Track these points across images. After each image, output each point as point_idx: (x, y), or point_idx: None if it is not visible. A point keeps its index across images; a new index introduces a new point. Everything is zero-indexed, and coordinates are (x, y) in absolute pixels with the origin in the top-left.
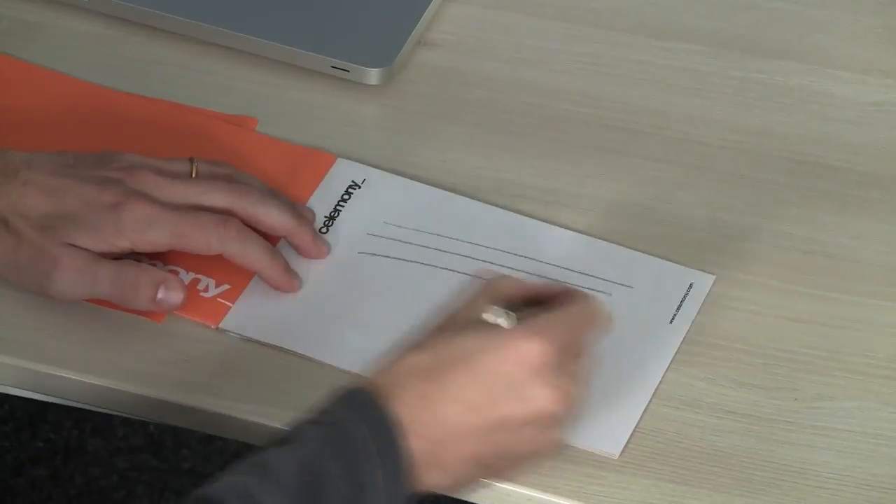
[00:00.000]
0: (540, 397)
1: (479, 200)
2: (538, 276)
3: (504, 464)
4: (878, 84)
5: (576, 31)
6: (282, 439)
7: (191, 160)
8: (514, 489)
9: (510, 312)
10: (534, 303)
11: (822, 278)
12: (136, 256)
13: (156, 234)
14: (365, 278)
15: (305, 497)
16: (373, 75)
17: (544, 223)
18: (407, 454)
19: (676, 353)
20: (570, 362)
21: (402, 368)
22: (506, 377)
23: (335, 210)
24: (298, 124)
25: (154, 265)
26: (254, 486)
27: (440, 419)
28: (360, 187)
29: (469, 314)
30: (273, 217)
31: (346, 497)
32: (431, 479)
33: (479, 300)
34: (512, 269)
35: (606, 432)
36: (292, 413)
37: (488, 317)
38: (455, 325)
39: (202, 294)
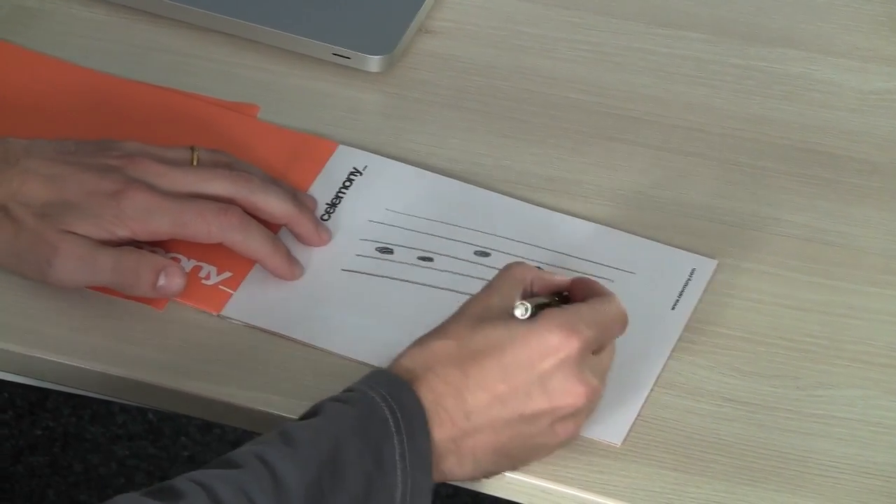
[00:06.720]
0: (565, 390)
1: (480, 187)
2: (540, 262)
3: (524, 454)
4: (879, 72)
5: (577, 18)
6: (307, 413)
7: (191, 148)
8: (516, 477)
9: (536, 308)
10: (556, 294)
11: (823, 266)
12: (136, 244)
13: (156, 222)
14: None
15: (323, 469)
16: (374, 62)
17: (545, 209)
18: (429, 439)
19: (678, 340)
20: (593, 357)
21: (430, 354)
22: (533, 369)
23: (336, 197)
24: (300, 111)
25: (155, 252)
26: (272, 453)
27: (466, 408)
28: (361, 174)
29: (498, 305)
30: (274, 205)
31: (365, 474)
32: (452, 468)
33: (509, 292)
34: (512, 255)
35: (608, 421)
36: (293, 400)
37: (518, 312)
38: (483, 315)
39: (204, 281)
